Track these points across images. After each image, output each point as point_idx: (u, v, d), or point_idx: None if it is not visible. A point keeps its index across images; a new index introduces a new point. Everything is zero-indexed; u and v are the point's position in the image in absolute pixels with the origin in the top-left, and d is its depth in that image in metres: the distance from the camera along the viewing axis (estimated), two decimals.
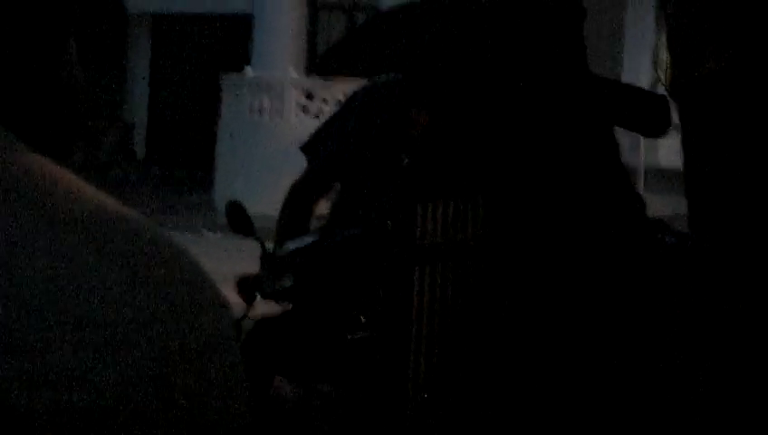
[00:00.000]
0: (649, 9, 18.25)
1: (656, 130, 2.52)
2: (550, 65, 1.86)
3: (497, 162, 1.86)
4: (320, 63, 4.87)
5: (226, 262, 13.33)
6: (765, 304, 2.36)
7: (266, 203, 4.49)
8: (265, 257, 4.07)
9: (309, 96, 19.13)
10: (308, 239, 3.94)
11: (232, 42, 22.79)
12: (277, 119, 19.02)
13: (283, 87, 19.18)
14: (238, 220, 4.26)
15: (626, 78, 16.09)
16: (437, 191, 1.91)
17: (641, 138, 16.11)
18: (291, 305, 3.89)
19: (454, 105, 1.85)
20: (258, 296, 4.08)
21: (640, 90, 2.54)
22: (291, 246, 4.01)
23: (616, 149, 2.19)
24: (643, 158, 16.39)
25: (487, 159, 1.86)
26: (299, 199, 4.28)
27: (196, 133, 22.57)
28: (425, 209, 1.93)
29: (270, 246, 4.21)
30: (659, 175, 15.28)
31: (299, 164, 4.35)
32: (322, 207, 4.32)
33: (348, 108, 4.19)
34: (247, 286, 4.12)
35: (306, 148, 4.34)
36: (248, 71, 19.94)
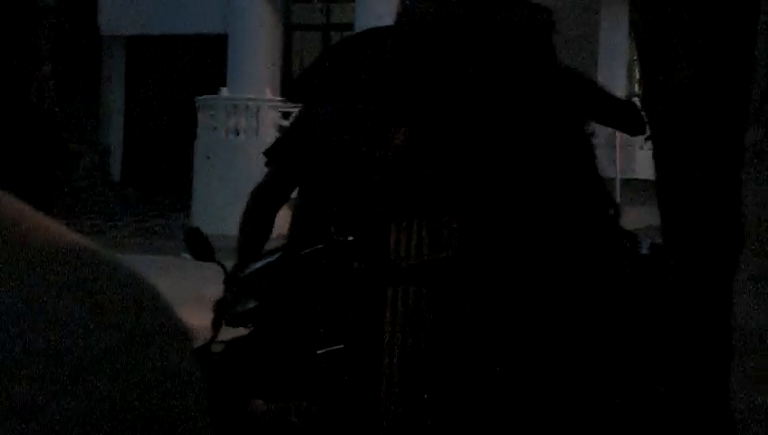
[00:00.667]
0: (623, 21, 18.33)
1: (632, 127, 2.53)
2: (521, 79, 1.86)
3: (472, 182, 1.86)
4: (293, 89, 4.84)
5: (205, 285, 13.29)
6: (728, 309, 2.37)
7: (190, 226, 4.48)
8: (228, 281, 4.05)
9: (285, 116, 19.14)
10: (269, 259, 3.92)
11: (207, 63, 22.78)
12: (253, 139, 19.01)
13: (258, 107, 19.20)
14: (198, 246, 4.24)
15: None
16: (411, 211, 1.91)
17: (617, 149, 16.17)
18: (254, 327, 3.87)
19: (429, 125, 1.85)
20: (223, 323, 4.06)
21: (612, 94, 2.55)
22: (253, 266, 3.99)
23: (593, 159, 2.19)
24: (619, 169, 16.44)
25: (461, 179, 1.85)
26: (260, 206, 4.26)
27: (173, 155, 22.53)
28: (398, 229, 1.93)
29: (230, 264, 4.20)
30: (635, 186, 15.33)
31: None
32: (281, 225, 4.30)
33: (313, 116, 4.19)
34: (216, 309, 4.10)
35: (268, 153, 4.33)
36: (224, 92, 19.94)
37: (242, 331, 4.02)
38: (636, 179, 16.23)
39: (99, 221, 20.46)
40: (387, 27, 3.06)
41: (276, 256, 3.87)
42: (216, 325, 4.08)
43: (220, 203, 17.48)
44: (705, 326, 2.47)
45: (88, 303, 0.67)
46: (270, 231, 4.22)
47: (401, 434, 1.97)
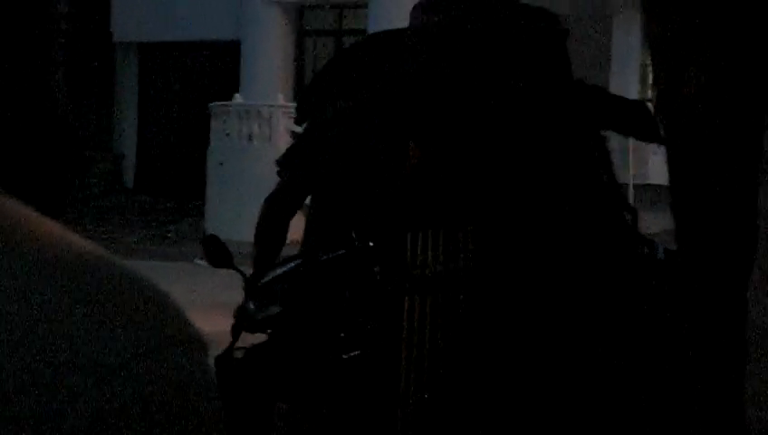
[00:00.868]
0: (636, 27, 18.30)
1: (646, 134, 2.52)
2: (537, 90, 1.87)
3: (488, 193, 1.87)
4: (307, 92, 4.84)
5: (220, 291, 13.30)
6: (742, 312, 2.37)
7: (209, 233, 4.50)
8: (248, 288, 4.06)
9: (298, 122, 19.15)
10: (290, 265, 3.93)
11: (220, 69, 22.81)
12: (266, 145, 19.02)
13: (271, 113, 19.21)
14: (216, 253, 4.26)
15: None
16: (428, 221, 1.91)
17: (630, 154, 16.14)
18: (276, 332, 3.87)
19: (447, 137, 1.85)
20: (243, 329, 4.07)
21: (624, 98, 2.54)
22: (272, 273, 4.00)
23: (609, 165, 2.19)
24: (632, 174, 16.41)
25: (478, 190, 1.86)
26: (273, 215, 4.27)
27: (186, 161, 22.56)
28: (415, 239, 1.93)
29: (246, 270, 4.21)
30: (649, 190, 15.30)
31: None
32: (293, 231, 4.31)
33: (326, 125, 4.20)
34: (237, 315, 4.11)
35: (281, 162, 4.35)
36: (237, 98, 19.96)
37: (261, 337, 4.03)
38: (649, 185, 16.20)
39: (112, 227, 20.48)
40: (390, 32, 3.06)
41: (297, 262, 3.88)
42: (236, 331, 4.09)
43: (233, 209, 17.48)
44: (720, 329, 2.47)
45: (100, 312, 0.67)
46: (284, 239, 4.23)
47: None
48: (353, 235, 3.42)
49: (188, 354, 0.69)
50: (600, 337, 2.00)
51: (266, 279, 4.02)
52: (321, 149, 4.10)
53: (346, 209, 3.91)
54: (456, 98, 1.83)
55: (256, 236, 4.26)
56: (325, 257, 3.65)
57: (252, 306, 3.97)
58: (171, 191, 22.72)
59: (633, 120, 2.44)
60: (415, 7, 2.23)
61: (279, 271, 3.95)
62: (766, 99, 2.02)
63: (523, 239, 1.85)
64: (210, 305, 12.12)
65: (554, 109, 1.85)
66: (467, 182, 1.83)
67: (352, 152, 3.99)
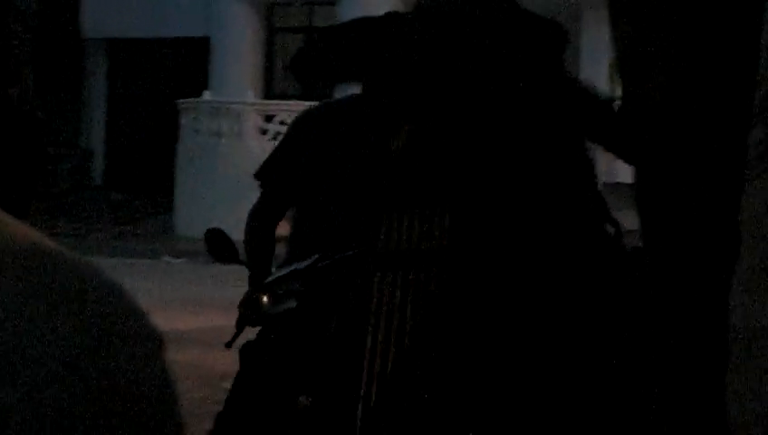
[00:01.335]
0: (604, 25, 18.34)
1: (628, 153, 2.53)
2: (529, 84, 1.87)
3: (466, 174, 1.87)
4: (286, 74, 4.81)
5: (189, 288, 13.29)
6: (708, 310, 2.38)
7: (227, 226, 4.48)
8: (261, 282, 4.06)
9: (267, 119, 19.12)
10: (305, 262, 3.93)
11: (189, 66, 22.75)
12: (236, 142, 19.00)
13: (241, 110, 19.18)
14: (220, 247, 4.24)
15: None
16: (403, 201, 1.91)
17: (601, 154, 16.17)
18: (293, 327, 3.87)
19: (433, 118, 1.86)
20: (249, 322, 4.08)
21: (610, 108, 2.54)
22: (282, 270, 4.01)
23: (590, 165, 2.20)
24: (603, 172, 16.46)
25: (456, 171, 1.86)
26: (258, 226, 4.29)
27: (155, 158, 22.48)
28: (390, 218, 1.93)
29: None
30: (617, 190, 15.37)
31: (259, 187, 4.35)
32: (281, 229, 4.33)
33: (299, 132, 4.22)
34: (246, 309, 4.12)
35: (259, 174, 4.36)
36: (206, 95, 19.92)
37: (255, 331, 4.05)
38: (619, 184, 16.26)
39: (80, 224, 20.40)
40: (387, 15, 3.04)
41: (312, 259, 3.86)
42: (242, 325, 4.10)
43: (203, 206, 17.44)
44: (698, 330, 2.48)
45: (47, 307, 0.66)
46: (273, 245, 4.26)
47: (383, 420, 1.97)
48: (361, 234, 3.43)
49: (141, 350, 0.68)
50: (574, 325, 2.01)
51: (276, 276, 4.03)
52: (297, 160, 4.12)
53: (347, 210, 3.93)
54: (446, 85, 1.83)
55: (246, 245, 4.28)
56: (339, 256, 3.66)
57: (265, 301, 3.97)
58: (140, 188, 22.64)
59: (620, 139, 2.45)
60: None
61: (293, 268, 3.95)
62: (741, 97, 2.03)
63: (500, 224, 1.86)
64: (180, 302, 12.12)
65: (543, 108, 1.86)
66: (450, 166, 1.83)
67: (332, 152, 4.01)
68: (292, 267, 3.92)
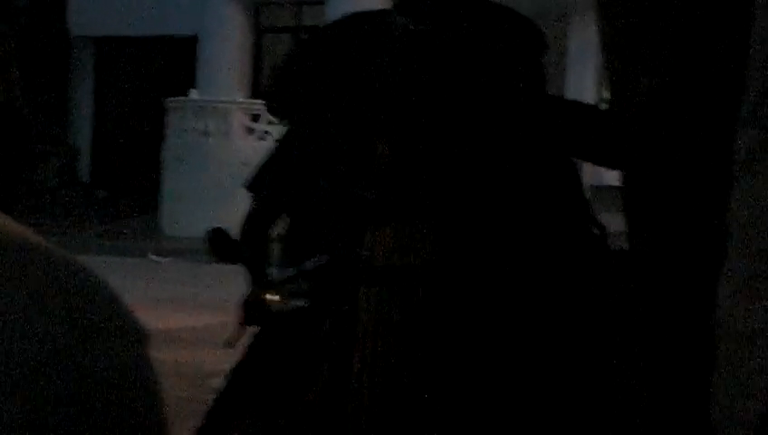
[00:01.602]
0: (592, 27, 18.37)
1: (612, 161, 2.53)
2: (509, 94, 1.87)
3: (451, 188, 1.87)
4: (266, 91, 4.79)
5: (174, 286, 13.27)
6: (694, 311, 2.39)
7: (213, 226, 4.47)
8: (263, 282, 4.06)
9: (254, 118, 19.11)
10: (312, 262, 3.93)
11: (177, 65, 22.72)
12: (223, 141, 18.97)
13: (228, 110, 19.16)
14: (223, 247, 4.24)
15: (570, 97, 16.16)
16: (389, 215, 1.91)
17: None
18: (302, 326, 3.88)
19: (414, 134, 1.86)
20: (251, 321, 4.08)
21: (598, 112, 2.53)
22: (288, 271, 4.02)
23: (574, 169, 2.20)
24: (589, 175, 16.50)
25: (441, 185, 1.86)
26: (251, 234, 4.30)
27: (142, 157, 22.46)
28: (374, 232, 1.93)
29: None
30: (604, 193, 15.39)
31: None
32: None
33: (289, 141, 4.23)
34: (251, 308, 4.12)
35: (251, 186, 4.38)
36: (193, 94, 19.89)
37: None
38: (604, 186, 16.29)
39: (67, 222, 20.36)
40: (371, 13, 3.03)
41: (319, 259, 3.86)
42: (248, 323, 4.11)
43: (189, 205, 17.42)
44: (684, 331, 2.49)
45: (32, 301, 0.65)
46: (268, 250, 4.26)
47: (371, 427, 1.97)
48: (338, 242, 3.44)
49: (124, 345, 0.68)
50: (562, 334, 2.01)
51: (284, 276, 4.03)
52: (286, 170, 4.13)
53: (328, 221, 3.94)
54: (428, 97, 1.83)
55: (243, 247, 4.29)
56: (352, 256, 3.67)
57: (273, 300, 3.96)
58: (127, 186, 22.61)
59: (603, 145, 2.45)
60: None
61: (302, 268, 3.95)
62: (728, 101, 2.04)
63: (485, 238, 1.86)
64: (165, 301, 12.10)
65: (524, 118, 1.86)
66: (433, 179, 1.83)
67: (328, 163, 4.02)
68: (302, 268, 3.92)
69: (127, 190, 22.47)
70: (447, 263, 1.93)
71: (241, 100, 19.50)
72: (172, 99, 19.97)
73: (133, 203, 21.86)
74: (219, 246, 4.22)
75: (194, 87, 20.30)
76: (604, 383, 2.26)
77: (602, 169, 17.42)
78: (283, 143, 4.32)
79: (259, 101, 19.97)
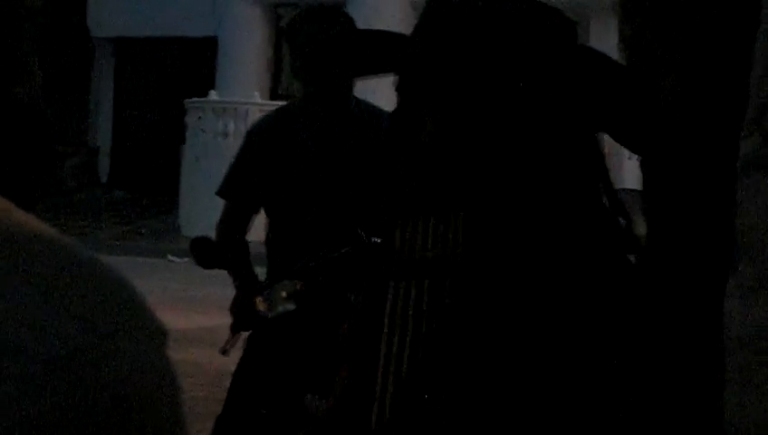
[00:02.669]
0: (612, 31, 18.34)
1: (643, 147, 2.52)
2: (542, 82, 1.87)
3: (482, 179, 1.86)
4: (295, 71, 4.78)
5: (192, 287, 13.30)
6: (718, 318, 2.38)
7: (196, 235, 4.50)
8: (251, 286, 4.06)
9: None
10: (299, 263, 3.93)
11: (196, 65, 22.77)
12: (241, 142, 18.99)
13: (247, 110, 19.17)
14: (207, 255, 4.25)
15: None
16: (420, 206, 1.90)
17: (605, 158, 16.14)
18: (292, 329, 3.87)
19: (450, 118, 1.85)
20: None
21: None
22: (274, 274, 4.02)
23: (604, 167, 2.20)
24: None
25: (472, 176, 1.85)
26: (232, 234, 4.33)
27: (161, 157, 22.50)
28: (405, 224, 1.92)
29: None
30: (622, 195, 15.34)
31: None
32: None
33: (257, 142, 4.26)
34: (241, 313, 4.12)
35: (223, 192, 4.42)
36: (212, 94, 19.92)
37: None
38: (624, 189, 16.25)
39: (86, 222, 20.41)
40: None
41: (305, 260, 3.85)
42: (236, 329, 4.12)
43: (207, 206, 17.43)
44: (694, 335, 2.48)
45: (51, 297, 0.65)
46: (247, 250, 4.28)
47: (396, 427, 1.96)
48: (359, 231, 3.42)
49: (144, 344, 0.67)
50: (588, 333, 2.01)
51: (270, 279, 4.03)
52: (263, 166, 4.14)
53: (341, 207, 3.95)
54: (463, 80, 1.83)
55: (223, 253, 4.30)
56: (335, 254, 3.66)
57: (262, 304, 3.97)
58: (145, 186, 22.65)
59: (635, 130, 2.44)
60: None
61: (285, 270, 3.95)
62: (742, 103, 2.03)
63: (516, 231, 1.85)
64: (183, 301, 12.12)
65: (557, 109, 1.85)
66: (470, 168, 1.82)
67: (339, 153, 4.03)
68: (286, 270, 3.92)
69: (146, 191, 22.51)
70: (477, 256, 1.92)
71: (260, 101, 19.51)
72: (191, 99, 20.00)
73: (152, 203, 21.90)
74: (202, 253, 4.23)
75: (213, 88, 20.33)
76: (626, 388, 2.25)
77: (622, 173, 17.37)
78: (246, 146, 4.34)
79: (278, 103, 19.99)
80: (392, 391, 1.91)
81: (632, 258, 2.49)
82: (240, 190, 4.29)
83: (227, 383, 4.23)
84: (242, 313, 4.10)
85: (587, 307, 1.99)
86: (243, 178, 4.27)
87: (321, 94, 4.06)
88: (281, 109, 4.53)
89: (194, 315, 10.90)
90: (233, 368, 4.25)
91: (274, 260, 4.13)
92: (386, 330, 1.89)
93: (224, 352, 4.35)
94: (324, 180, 4.01)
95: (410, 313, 1.88)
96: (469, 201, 1.83)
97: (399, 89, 1.88)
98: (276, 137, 4.14)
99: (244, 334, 4.18)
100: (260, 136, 4.26)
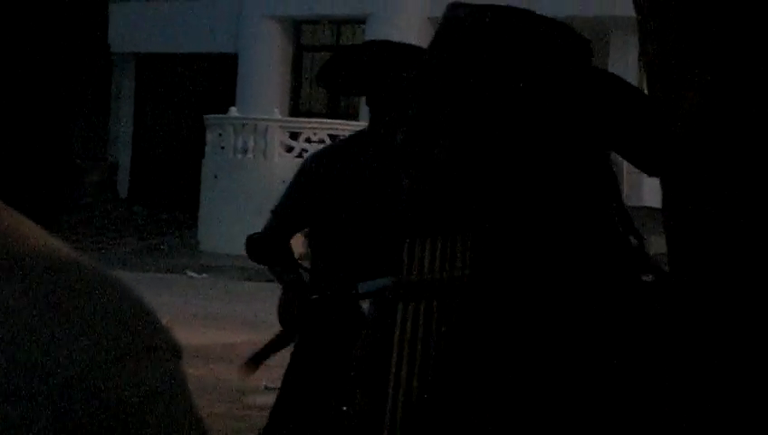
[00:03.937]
0: (632, 47, 18.33)
1: (654, 167, 2.51)
2: (553, 102, 1.86)
3: (491, 199, 1.86)
4: (318, 76, 4.86)
5: (211, 303, 13.31)
6: (741, 335, 2.36)
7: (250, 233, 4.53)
8: (304, 286, 4.12)
9: (293, 136, 19.15)
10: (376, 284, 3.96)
11: (216, 82, 22.83)
12: (261, 159, 19.02)
13: (267, 127, 19.21)
14: (261, 251, 4.32)
15: None
16: (428, 226, 1.90)
17: (625, 175, 16.14)
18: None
19: (464, 135, 1.85)
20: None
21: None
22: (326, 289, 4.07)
23: (616, 187, 2.19)
24: (625, 195, 16.42)
25: (481, 196, 1.85)
26: (277, 242, 4.36)
27: (180, 173, 22.55)
28: (412, 244, 1.92)
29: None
30: (643, 213, 15.32)
31: None
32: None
33: (311, 171, 4.31)
34: (290, 311, 4.17)
35: (276, 211, 4.49)
36: (232, 111, 19.97)
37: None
38: (644, 207, 16.22)
39: (105, 238, 20.46)
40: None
41: (383, 282, 3.87)
42: (284, 343, 4.16)
43: (227, 222, 17.46)
44: (728, 356, 2.47)
45: (66, 317, 0.65)
46: (293, 258, 4.33)
47: None
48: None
49: (157, 362, 0.67)
50: (599, 357, 2.00)
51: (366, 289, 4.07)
52: (312, 195, 4.20)
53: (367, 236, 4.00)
54: (475, 102, 1.82)
55: (268, 258, 4.36)
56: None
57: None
58: (165, 202, 22.71)
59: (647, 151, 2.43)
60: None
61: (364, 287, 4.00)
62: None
63: (524, 252, 1.85)
64: (202, 318, 12.13)
65: (568, 128, 1.85)
66: (473, 189, 1.82)
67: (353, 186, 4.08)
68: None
69: (165, 206, 22.56)
70: (485, 276, 1.92)
71: (280, 117, 19.54)
72: (211, 116, 20.05)
73: (171, 219, 21.94)
74: (258, 249, 4.29)
75: (233, 104, 20.37)
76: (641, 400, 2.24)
77: (642, 190, 17.35)
78: (302, 175, 4.39)
79: (298, 119, 20.02)
80: (401, 415, 1.91)
81: (646, 277, 2.47)
82: (289, 212, 4.36)
83: (245, 399, 4.25)
84: (291, 310, 4.17)
85: (597, 330, 1.98)
86: (294, 203, 4.34)
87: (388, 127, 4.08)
88: (333, 145, 4.65)
89: (213, 331, 10.90)
90: (250, 384, 4.26)
91: (319, 276, 4.19)
92: (395, 353, 1.89)
93: (252, 366, 4.36)
94: (378, 216, 4.06)
95: (419, 335, 1.88)
96: (478, 221, 1.83)
97: (409, 107, 1.88)
98: (330, 168, 4.21)
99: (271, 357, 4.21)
100: (314, 167, 4.32)
